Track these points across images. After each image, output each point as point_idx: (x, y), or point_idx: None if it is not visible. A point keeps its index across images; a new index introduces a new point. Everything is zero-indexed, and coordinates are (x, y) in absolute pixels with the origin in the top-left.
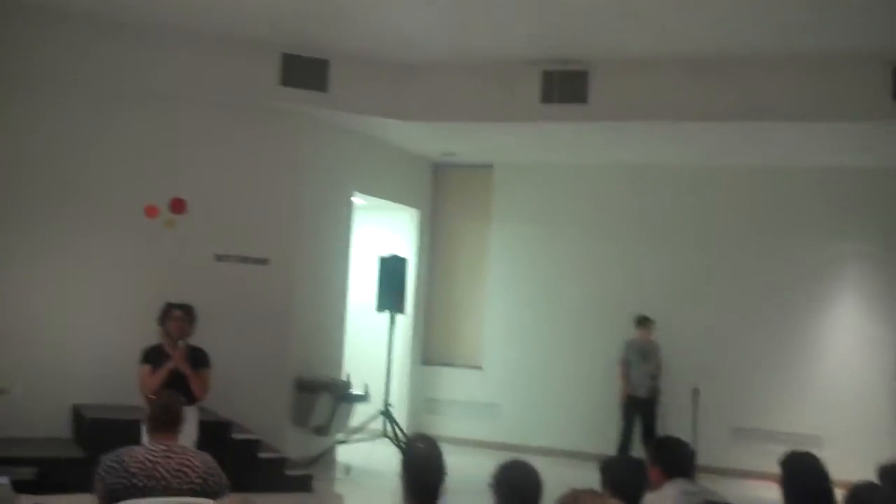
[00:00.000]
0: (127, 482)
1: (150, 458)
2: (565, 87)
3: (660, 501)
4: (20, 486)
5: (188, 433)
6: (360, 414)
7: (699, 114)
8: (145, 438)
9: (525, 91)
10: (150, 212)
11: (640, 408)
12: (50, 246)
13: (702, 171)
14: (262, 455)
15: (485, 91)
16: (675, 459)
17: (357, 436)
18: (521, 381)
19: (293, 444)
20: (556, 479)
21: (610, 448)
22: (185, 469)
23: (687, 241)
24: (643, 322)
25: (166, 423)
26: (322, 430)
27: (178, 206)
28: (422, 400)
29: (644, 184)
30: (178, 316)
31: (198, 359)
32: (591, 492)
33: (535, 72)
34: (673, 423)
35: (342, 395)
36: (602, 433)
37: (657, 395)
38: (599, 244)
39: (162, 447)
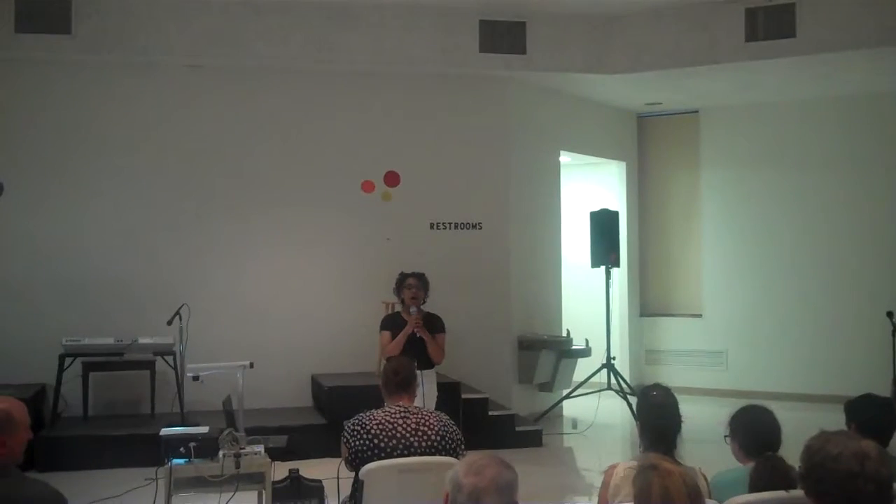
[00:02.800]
0: (370, 443)
1: (389, 419)
2: (771, 22)
3: None
4: (273, 454)
5: (429, 395)
6: (582, 368)
7: None
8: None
9: (728, 31)
10: (367, 187)
11: None
12: (280, 227)
13: None
14: (492, 413)
15: (687, 36)
16: None
17: (581, 390)
18: (748, 327)
19: (520, 401)
20: (793, 422)
21: (850, 389)
22: (423, 428)
23: None
24: None
25: (399, 384)
26: (547, 387)
27: (392, 179)
28: (642, 351)
29: (861, 115)
30: (412, 284)
31: (433, 324)
32: (841, 433)
33: (738, 10)
34: None
35: (564, 351)
36: (840, 374)
37: None
38: (815, 181)
39: (399, 408)
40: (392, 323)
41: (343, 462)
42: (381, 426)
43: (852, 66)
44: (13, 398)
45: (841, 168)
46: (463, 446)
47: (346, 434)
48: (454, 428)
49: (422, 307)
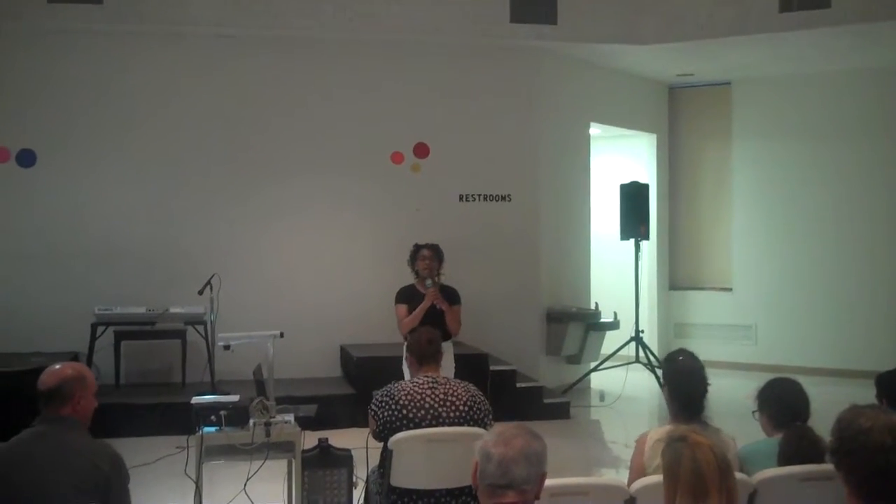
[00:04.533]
0: (399, 414)
1: (418, 389)
2: None
3: None
4: (302, 423)
5: (448, 366)
6: (610, 341)
7: None
8: (407, 374)
9: (762, 1)
10: (397, 158)
11: None
12: (310, 198)
13: None
14: (520, 385)
15: (720, 6)
16: None
17: (609, 363)
18: (778, 301)
19: (547, 374)
20: (823, 397)
21: (881, 363)
22: (452, 398)
23: None
24: None
25: (431, 354)
26: (574, 359)
27: (421, 150)
28: (671, 324)
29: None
30: (426, 255)
31: (450, 296)
32: (873, 407)
33: None
34: None
35: (592, 324)
36: (870, 349)
37: None
38: (848, 153)
39: (427, 379)
40: (407, 295)
41: (371, 435)
42: (409, 396)
43: (887, 36)
44: (83, 364)
45: (875, 141)
46: (491, 416)
47: (373, 407)
48: (482, 398)
49: (437, 279)
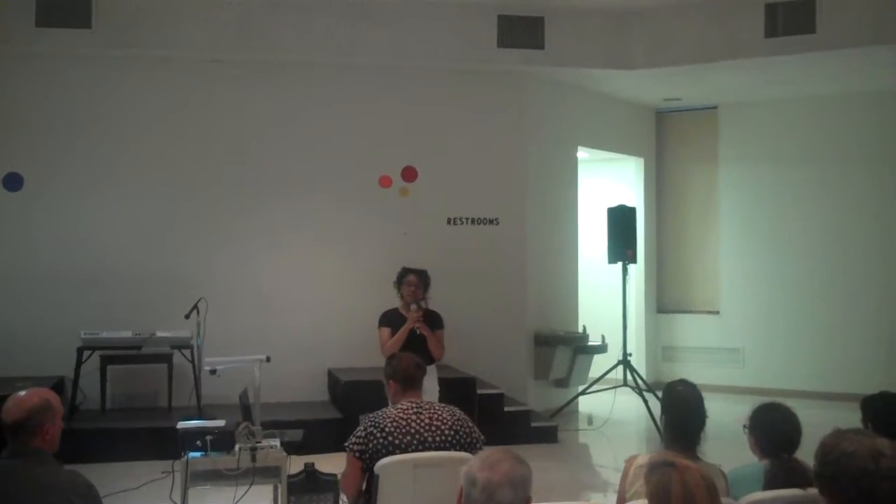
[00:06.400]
0: (384, 441)
1: (403, 416)
2: (790, 18)
3: None
4: (289, 448)
5: (431, 390)
6: (598, 365)
7: None
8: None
9: (748, 27)
10: (385, 182)
11: None
12: (298, 222)
13: None
14: (508, 408)
15: (706, 31)
16: None
17: (597, 386)
18: (765, 324)
19: (535, 397)
20: (809, 420)
21: (867, 387)
22: (437, 423)
23: None
24: None
25: (416, 378)
26: (562, 382)
27: (409, 174)
28: (659, 348)
29: (881, 112)
30: (412, 281)
31: (433, 320)
32: (857, 431)
33: (758, 5)
34: None
35: (580, 347)
36: (857, 372)
37: None
38: (834, 178)
39: (411, 404)
40: (390, 319)
41: (342, 482)
42: (395, 423)
43: (872, 62)
44: (47, 388)
45: (860, 165)
46: (482, 443)
47: (354, 447)
48: (468, 422)
49: (421, 303)
